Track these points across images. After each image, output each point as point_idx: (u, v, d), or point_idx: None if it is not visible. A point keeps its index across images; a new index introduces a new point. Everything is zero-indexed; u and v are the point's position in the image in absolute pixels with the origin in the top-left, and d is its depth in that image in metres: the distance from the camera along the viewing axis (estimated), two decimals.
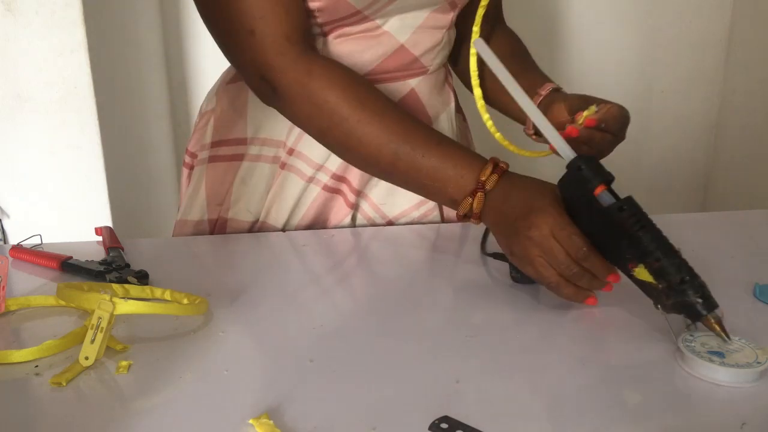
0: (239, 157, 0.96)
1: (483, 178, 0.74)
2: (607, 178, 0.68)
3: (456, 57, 1.04)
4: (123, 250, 0.85)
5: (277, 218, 0.96)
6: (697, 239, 0.88)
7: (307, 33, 0.83)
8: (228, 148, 0.97)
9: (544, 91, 0.92)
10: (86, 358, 0.61)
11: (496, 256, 0.82)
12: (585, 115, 0.81)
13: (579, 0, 1.95)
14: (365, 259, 0.88)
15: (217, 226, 0.98)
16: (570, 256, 0.68)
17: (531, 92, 0.90)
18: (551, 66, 1.97)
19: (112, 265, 0.80)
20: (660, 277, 0.64)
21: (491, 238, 0.89)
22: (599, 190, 0.67)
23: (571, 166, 0.69)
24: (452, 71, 1.05)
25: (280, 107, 0.82)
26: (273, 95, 0.80)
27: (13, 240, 1.65)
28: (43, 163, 1.67)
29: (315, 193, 0.95)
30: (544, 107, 0.90)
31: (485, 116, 0.94)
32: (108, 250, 0.85)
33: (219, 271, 0.83)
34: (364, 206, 0.97)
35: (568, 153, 0.71)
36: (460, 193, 0.75)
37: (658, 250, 0.64)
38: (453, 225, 1.00)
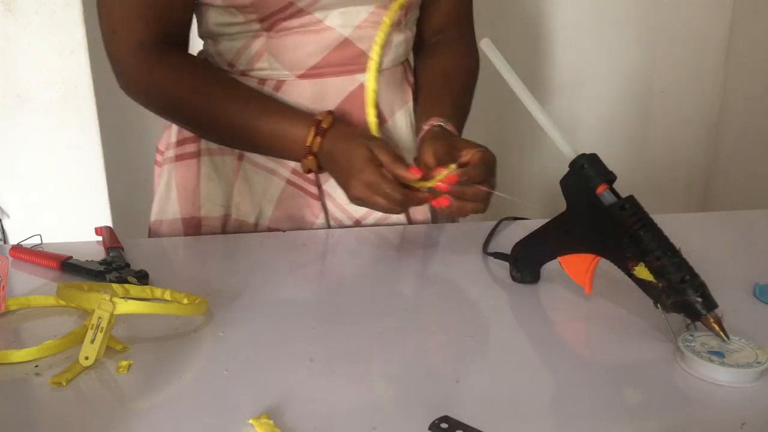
0: (202, 153, 0.97)
1: (308, 144, 0.84)
2: (609, 178, 0.68)
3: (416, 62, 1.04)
4: (123, 250, 0.85)
5: (248, 212, 0.96)
6: (697, 239, 0.88)
7: (166, 35, 0.88)
8: (191, 146, 0.98)
9: (426, 126, 0.90)
10: (86, 358, 0.61)
11: (498, 255, 0.82)
12: (444, 174, 0.80)
13: (579, 0, 1.95)
14: (365, 258, 0.88)
15: (191, 225, 0.98)
16: (390, 203, 0.80)
17: (419, 125, 0.92)
18: (551, 65, 1.97)
19: (112, 265, 0.80)
20: (660, 276, 0.64)
21: (493, 237, 0.89)
22: (601, 189, 0.68)
23: (573, 165, 0.70)
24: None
25: (132, 99, 0.91)
26: (125, 89, 0.90)
27: (13, 240, 1.65)
28: (43, 163, 1.67)
29: (280, 188, 0.95)
30: (421, 142, 0.88)
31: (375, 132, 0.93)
32: (108, 250, 0.85)
33: (219, 271, 0.83)
34: (331, 207, 0.96)
35: (571, 152, 0.71)
36: (298, 154, 0.86)
37: (658, 249, 0.64)
38: (453, 225, 1.00)
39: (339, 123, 0.86)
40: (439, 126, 0.90)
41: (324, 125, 0.84)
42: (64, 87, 1.61)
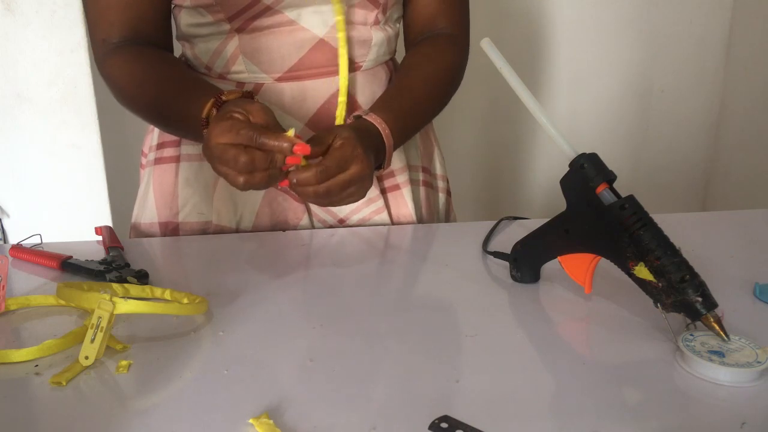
0: (182, 158, 0.96)
1: (204, 116, 0.79)
2: (609, 177, 0.68)
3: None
4: (123, 249, 0.86)
5: (229, 217, 0.95)
6: (697, 239, 0.88)
7: (137, 34, 0.90)
8: (171, 149, 0.97)
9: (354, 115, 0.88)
10: (86, 358, 0.61)
11: (498, 255, 0.82)
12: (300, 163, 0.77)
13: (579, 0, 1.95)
14: (366, 258, 0.88)
15: (169, 229, 0.97)
16: (242, 156, 0.70)
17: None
18: (551, 65, 1.97)
19: (112, 265, 0.80)
20: (660, 276, 0.64)
21: (493, 237, 0.89)
22: (601, 189, 0.68)
23: (573, 164, 0.70)
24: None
25: None
26: None
27: (13, 240, 1.65)
28: (43, 163, 1.67)
29: (262, 191, 0.93)
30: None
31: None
32: (108, 249, 0.85)
33: (219, 271, 0.83)
34: (314, 208, 0.95)
35: (570, 152, 0.71)
36: (199, 130, 0.80)
37: (658, 248, 0.64)
38: (452, 224, 1.00)
39: (242, 98, 0.79)
40: (358, 116, 0.86)
41: (224, 98, 0.78)
42: (64, 87, 1.61)
